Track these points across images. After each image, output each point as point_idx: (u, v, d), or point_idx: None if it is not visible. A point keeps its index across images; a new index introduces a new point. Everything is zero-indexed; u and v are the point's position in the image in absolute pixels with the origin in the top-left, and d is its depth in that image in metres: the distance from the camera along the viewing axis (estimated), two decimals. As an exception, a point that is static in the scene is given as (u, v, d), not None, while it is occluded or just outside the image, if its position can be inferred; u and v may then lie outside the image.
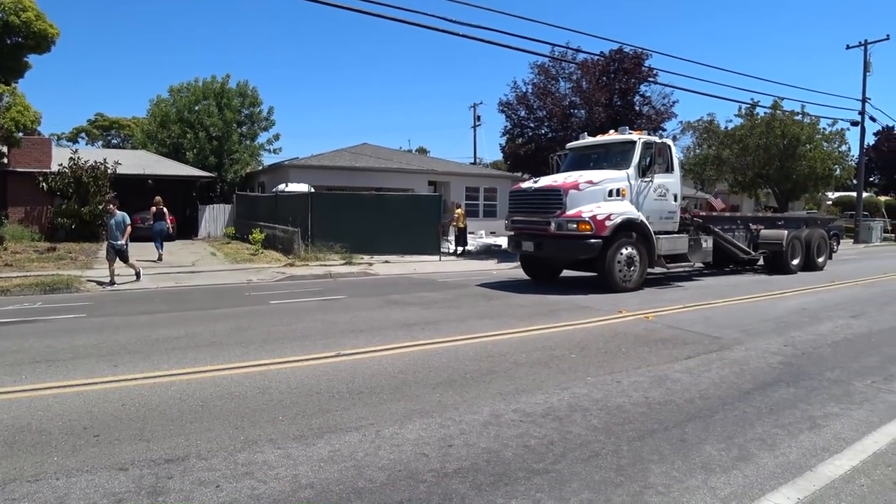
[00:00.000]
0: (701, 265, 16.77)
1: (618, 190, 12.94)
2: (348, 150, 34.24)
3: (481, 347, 7.77)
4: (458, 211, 23.75)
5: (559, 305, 11.23)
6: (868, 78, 38.67)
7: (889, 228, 48.68)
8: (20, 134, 24.41)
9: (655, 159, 13.21)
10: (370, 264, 19.77)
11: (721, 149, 36.56)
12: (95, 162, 26.91)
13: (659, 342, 8.15)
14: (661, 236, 13.54)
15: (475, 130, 51.06)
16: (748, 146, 34.54)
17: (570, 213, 12.47)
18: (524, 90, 23.21)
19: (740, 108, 35.54)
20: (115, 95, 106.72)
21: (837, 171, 36.60)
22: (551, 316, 10.12)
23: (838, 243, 29.51)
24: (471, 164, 50.18)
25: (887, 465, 4.25)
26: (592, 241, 12.33)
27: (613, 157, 13.94)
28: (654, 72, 22.62)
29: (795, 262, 17.47)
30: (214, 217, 32.90)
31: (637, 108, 22.49)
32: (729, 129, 36.73)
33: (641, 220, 12.98)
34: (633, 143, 13.59)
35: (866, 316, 10.41)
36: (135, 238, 16.95)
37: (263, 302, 11.80)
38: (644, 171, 13.35)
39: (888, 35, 37.84)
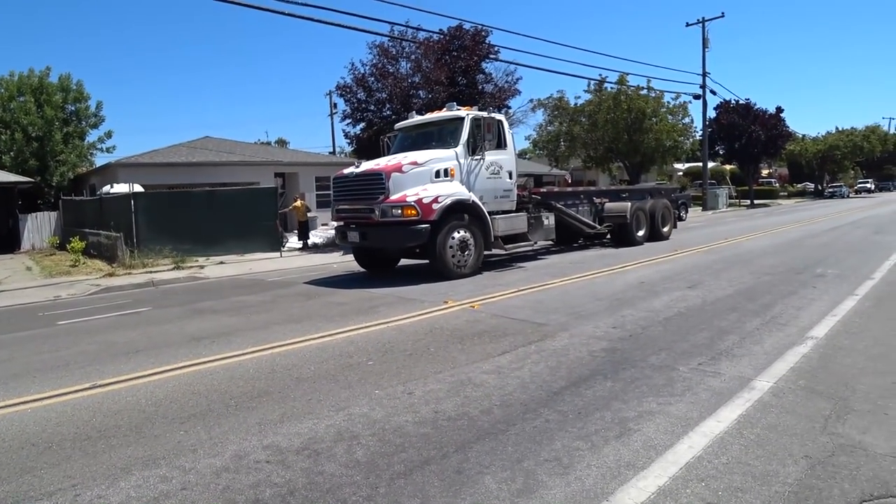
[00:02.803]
0: (547, 243, 16.29)
1: (446, 170, 12.02)
2: (186, 145, 31.75)
3: (268, 361, 6.64)
4: (296, 203, 22.24)
5: (383, 300, 10.22)
6: (707, 53, 40.37)
7: (734, 195, 51.40)
8: None
9: (485, 135, 12.36)
10: (202, 267, 18.10)
11: (572, 125, 36.90)
12: None
13: (475, 336, 7.28)
14: (497, 216, 12.78)
15: (332, 119, 49.28)
16: (597, 121, 35.02)
17: (393, 198, 11.44)
18: (362, 71, 21.99)
19: (589, 84, 35.99)
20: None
21: (687, 144, 37.83)
22: (368, 314, 9.06)
23: (686, 212, 30.52)
24: (329, 153, 48.49)
25: (700, 480, 3.49)
26: (420, 226, 11.36)
27: (442, 135, 13.03)
28: (496, 49, 22.07)
29: (641, 233, 17.37)
30: (39, 226, 29.55)
31: (479, 86, 21.79)
32: (578, 105, 37.10)
33: (473, 201, 12.14)
34: (462, 119, 12.72)
35: (703, 285, 10.08)
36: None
37: (51, 324, 10.10)
38: (474, 148, 12.48)
39: (723, 13, 39.60)
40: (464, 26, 21.87)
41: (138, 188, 23.37)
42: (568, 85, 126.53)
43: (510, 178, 13.31)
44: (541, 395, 5.11)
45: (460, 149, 12.33)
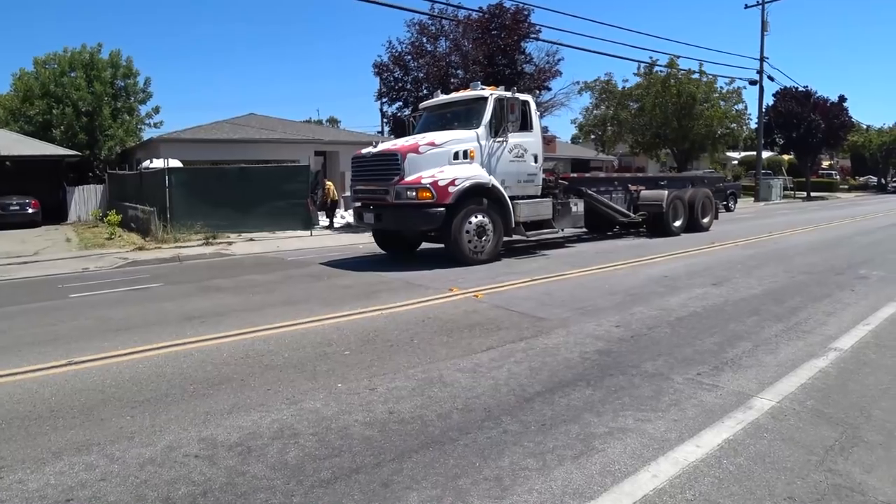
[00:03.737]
0: (578, 231, 15.68)
1: (465, 152, 11.51)
2: (229, 122, 31.86)
3: (245, 346, 6.34)
4: (328, 184, 21.97)
5: (388, 285, 9.85)
6: (766, 37, 38.59)
7: (789, 186, 49.43)
8: None
9: (508, 116, 11.77)
10: (230, 244, 18.07)
11: (619, 109, 35.79)
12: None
13: (466, 329, 6.84)
14: (519, 202, 12.23)
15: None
16: (645, 106, 33.86)
17: (408, 179, 11.01)
18: (399, 50, 21.50)
19: (639, 67, 34.78)
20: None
21: (740, 131, 36.36)
22: (368, 298, 8.71)
23: (735, 202, 29.31)
24: (378, 132, 48.24)
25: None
26: (435, 210, 10.91)
27: (466, 115, 12.51)
28: (537, 28, 21.35)
29: (678, 223, 16.57)
30: (85, 199, 30.18)
31: (519, 66, 21.10)
32: (626, 88, 35.95)
33: (493, 185, 11.61)
34: (485, 99, 12.16)
35: (729, 282, 9.41)
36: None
37: (64, 296, 10.06)
38: (497, 130, 11.92)
39: (784, -8, 37.72)
40: (504, 4, 21.13)
41: (176, 163, 23.51)
42: (616, 67, 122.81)
43: (535, 161, 12.72)
44: (510, 400, 4.66)
45: (482, 130, 11.79)
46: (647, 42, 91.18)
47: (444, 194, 10.90)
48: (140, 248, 17.39)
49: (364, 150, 12.23)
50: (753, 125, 40.18)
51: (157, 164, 24.05)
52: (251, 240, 18.98)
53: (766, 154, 56.71)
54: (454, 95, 13.67)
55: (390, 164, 11.30)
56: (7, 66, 76.53)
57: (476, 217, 11.37)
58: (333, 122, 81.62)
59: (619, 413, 4.37)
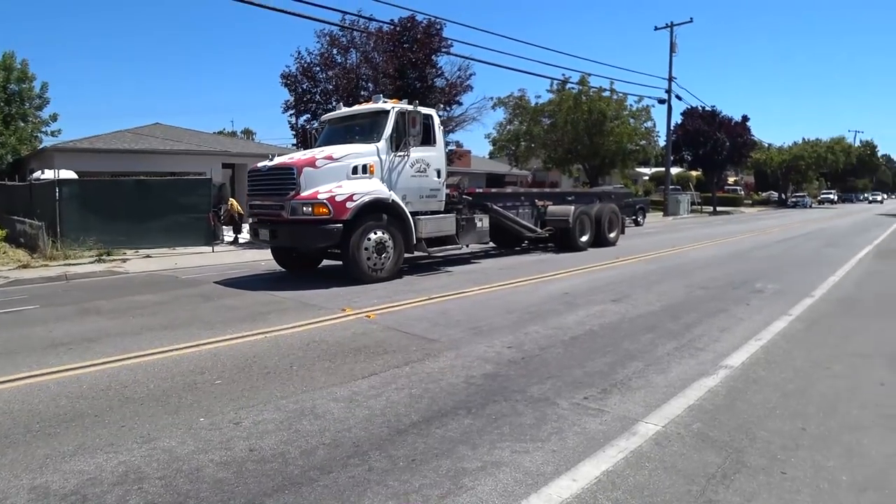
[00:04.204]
0: (485, 246, 15.49)
1: (364, 166, 11.11)
2: (132, 131, 30.41)
3: (110, 376, 5.75)
4: (231, 200, 21.13)
5: (280, 305, 9.32)
6: (674, 58, 39.91)
7: (697, 201, 51.18)
8: None
9: (409, 130, 11.45)
10: (124, 261, 17.02)
11: (532, 125, 36.16)
12: None
13: (352, 353, 6.43)
14: (422, 217, 11.90)
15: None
16: (557, 122, 34.31)
17: (304, 194, 10.52)
18: (308, 61, 20.94)
19: (552, 84, 35.26)
20: None
21: (648, 148, 37.33)
22: (255, 321, 8.16)
23: (644, 217, 29.96)
24: (293, 145, 47.20)
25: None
26: (331, 226, 10.44)
27: (367, 129, 12.12)
28: (449, 43, 21.16)
29: (585, 238, 16.63)
30: (-27, 213, 28.09)
31: (429, 80, 20.88)
32: (539, 104, 36.38)
33: (393, 200, 11.25)
34: (386, 112, 11.80)
35: (629, 299, 9.33)
36: None
37: None
38: (398, 144, 11.57)
39: (692, 18, 39.23)
40: (416, 18, 20.91)
41: (70, 174, 22.11)
42: (530, 84, 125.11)
43: (438, 176, 12.42)
44: (382, 432, 4.29)
45: (382, 144, 11.42)
46: (560, 60, 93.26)
47: (341, 210, 10.46)
48: (25, 266, 16.15)
49: (260, 164, 11.66)
50: (663, 142, 41.37)
51: (49, 175, 22.63)
52: (148, 256, 17.94)
53: (675, 170, 58.70)
54: (356, 108, 13.29)
55: (286, 178, 10.78)
56: None
57: (375, 233, 10.96)
58: (248, 133, 79.69)
59: (497, 444, 4.05)
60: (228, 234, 21.63)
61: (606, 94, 34.67)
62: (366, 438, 4.18)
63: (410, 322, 7.86)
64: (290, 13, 18.45)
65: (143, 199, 19.30)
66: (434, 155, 12.37)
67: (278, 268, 13.37)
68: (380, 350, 6.50)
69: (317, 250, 11.76)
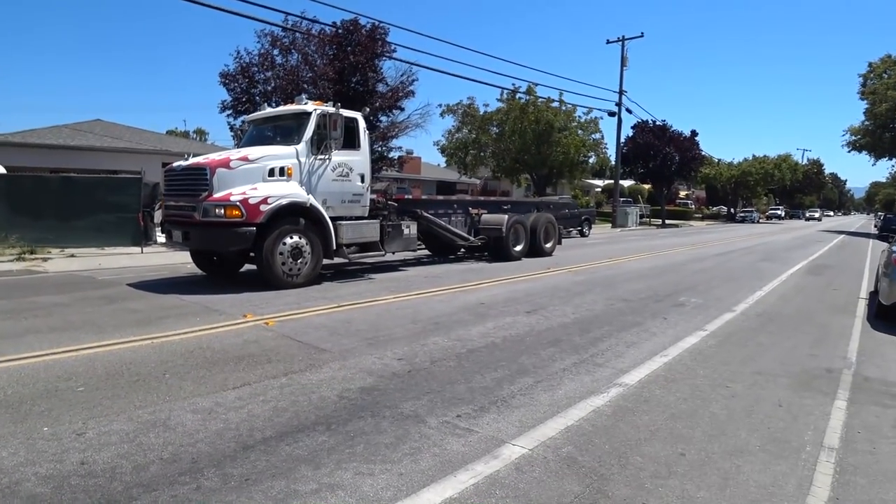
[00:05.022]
0: (419, 253, 15.24)
1: (282, 168, 10.72)
2: (70, 127, 29.42)
3: None
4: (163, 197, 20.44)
5: (182, 309, 8.89)
6: (626, 72, 40.26)
7: (646, 213, 51.73)
8: None
9: (331, 133, 11.09)
10: (45, 260, 16.27)
11: (480, 133, 36.07)
12: None
13: (234, 361, 6.07)
14: (343, 223, 11.54)
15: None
16: (505, 131, 34.26)
17: (217, 196, 10.09)
18: (248, 60, 20.41)
19: (502, 93, 35.23)
20: None
21: (593, 159, 37.53)
22: (150, 325, 7.73)
23: (590, 228, 30.04)
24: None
25: None
26: (244, 229, 10.03)
27: (289, 130, 11.72)
28: (393, 48, 20.85)
29: (518, 248, 16.44)
30: None
31: (370, 84, 20.53)
32: (487, 113, 36.32)
33: (312, 204, 10.87)
34: (308, 114, 11.43)
35: (544, 310, 9.11)
36: None
37: None
38: (320, 146, 11.20)
39: (643, 33, 39.69)
40: (360, 21, 20.56)
41: (-1, 169, 21.27)
42: (481, 92, 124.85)
43: (362, 181, 12.06)
44: (228, 448, 3.98)
45: (302, 146, 11.04)
46: (511, 69, 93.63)
47: (254, 213, 10.04)
48: (-66, 264, 15.39)
49: (175, 164, 11.17)
50: (610, 154, 41.70)
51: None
52: (72, 256, 17.21)
53: (627, 183, 59.39)
54: (279, 109, 12.89)
55: (199, 179, 10.33)
56: None
57: (291, 238, 10.57)
58: (201, 133, 78.30)
59: (343, 465, 3.76)
60: (161, 236, 20.91)
61: (555, 104, 34.70)
62: (207, 454, 3.87)
63: (308, 330, 7.50)
64: (232, 12, 17.99)
65: (71, 196, 18.59)
66: (358, 159, 12.01)
67: (199, 271, 12.86)
68: (263, 359, 6.15)
69: (233, 254, 11.29)
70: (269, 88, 20.31)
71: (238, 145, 12.61)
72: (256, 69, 20.32)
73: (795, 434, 4.57)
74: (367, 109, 12.50)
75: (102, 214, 18.35)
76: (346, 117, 11.62)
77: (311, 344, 6.80)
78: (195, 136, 68.49)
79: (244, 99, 20.45)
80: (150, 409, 4.70)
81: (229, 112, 21.11)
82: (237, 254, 11.18)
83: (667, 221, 51.71)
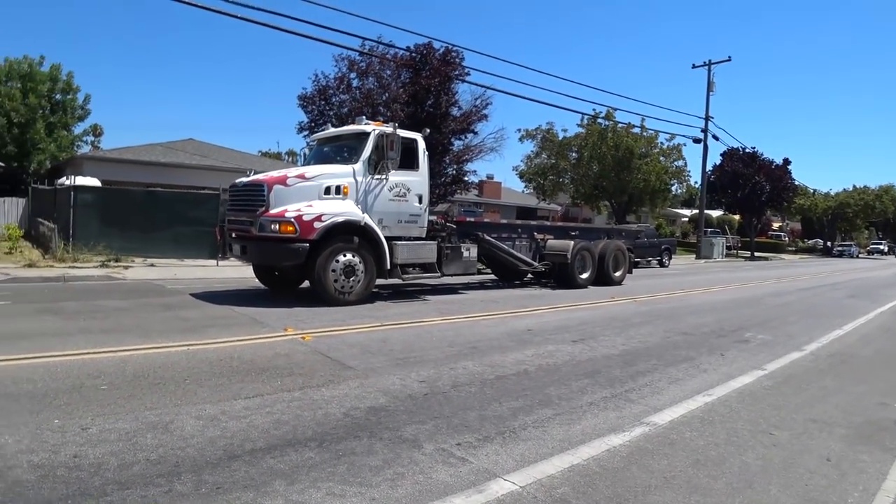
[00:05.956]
0: (486, 277, 15.15)
1: (338, 187, 10.88)
2: (164, 145, 31.09)
3: (7, 372, 5.74)
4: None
5: (230, 320, 9.16)
6: (712, 97, 39.10)
7: (735, 245, 49.77)
8: None
9: (387, 153, 11.17)
10: (126, 268, 17.19)
11: (559, 159, 35.70)
12: None
13: (256, 372, 6.12)
14: (398, 243, 11.56)
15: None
16: (583, 156, 33.77)
17: (273, 212, 10.35)
18: (324, 83, 20.96)
19: (582, 118, 34.79)
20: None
21: (676, 187, 36.51)
22: (193, 332, 7.96)
23: (670, 258, 29.13)
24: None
25: None
26: (297, 245, 10.20)
27: (349, 150, 11.92)
28: (467, 71, 20.97)
29: (585, 275, 16.03)
30: (6, 212, 29.07)
31: (443, 108, 20.68)
32: (565, 138, 35.93)
33: (366, 223, 10.94)
34: (367, 134, 11.58)
35: (593, 340, 8.79)
36: None
37: None
38: (377, 166, 11.29)
39: (730, 57, 38.62)
40: (434, 45, 20.78)
41: (93, 182, 22.64)
42: (559, 117, 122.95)
43: (420, 202, 12.08)
44: (215, 455, 4.01)
45: (359, 165, 11.18)
46: (590, 94, 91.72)
47: (308, 230, 10.20)
48: (30, 265, 16.50)
49: (238, 180, 11.53)
50: (695, 182, 40.47)
51: (81, 181, 23.28)
52: (152, 265, 18.08)
53: (716, 213, 57.42)
54: (340, 129, 13.17)
55: (257, 195, 10.63)
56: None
57: (345, 256, 10.67)
58: (292, 154, 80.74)
59: (317, 483, 3.66)
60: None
61: (636, 130, 33.97)
62: (193, 459, 3.90)
63: (342, 347, 7.49)
64: (314, 38, 18.58)
65: (154, 209, 19.68)
66: (416, 180, 12.06)
67: (261, 285, 13.18)
68: (285, 372, 6.17)
69: (289, 269, 11.50)
70: (345, 111, 20.70)
71: (304, 163, 12.85)
72: (333, 92, 20.78)
73: (838, 495, 3.97)
74: (428, 131, 12.51)
75: (182, 227, 19.25)
76: (405, 138, 11.70)
77: (338, 360, 6.78)
78: (287, 156, 70.66)
79: (320, 121, 20.92)
80: (158, 411, 4.80)
81: (306, 133, 21.65)
82: (293, 269, 11.35)
83: (756, 254, 49.61)
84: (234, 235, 11.53)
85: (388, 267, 11.29)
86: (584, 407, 5.61)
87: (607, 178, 34.04)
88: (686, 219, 62.71)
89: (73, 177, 24.11)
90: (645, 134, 34.65)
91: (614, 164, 33.37)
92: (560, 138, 36.33)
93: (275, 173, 11.28)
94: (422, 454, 4.22)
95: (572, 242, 15.59)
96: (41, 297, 10.88)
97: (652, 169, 33.92)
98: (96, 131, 38.09)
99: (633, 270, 19.53)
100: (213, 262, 19.03)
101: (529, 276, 16.80)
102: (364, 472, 3.87)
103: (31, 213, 28.03)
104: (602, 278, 16.51)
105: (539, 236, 15.68)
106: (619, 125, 33.65)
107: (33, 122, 33.02)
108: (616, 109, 32.89)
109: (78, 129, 37.17)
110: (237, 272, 17.09)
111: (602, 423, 5.18)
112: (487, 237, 14.12)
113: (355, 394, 5.57)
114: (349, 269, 10.72)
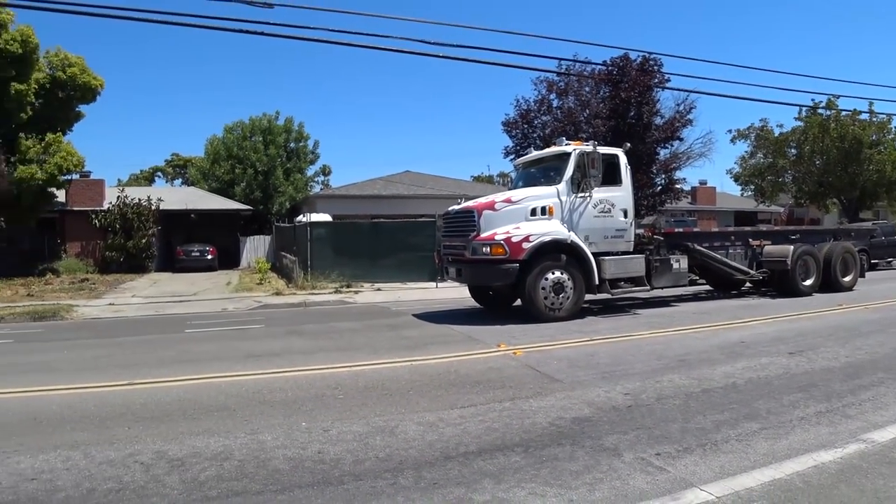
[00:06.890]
0: (701, 288, 14.99)
1: (543, 208, 11.46)
2: (383, 179, 33.88)
3: (265, 383, 7.14)
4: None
5: (447, 338, 10.08)
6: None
7: None
8: (71, 176, 26.12)
9: (589, 171, 11.56)
10: (356, 293, 19.12)
11: (777, 157, 33.28)
12: (139, 199, 29.14)
13: (470, 385, 6.87)
14: (605, 258, 11.85)
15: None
16: (802, 153, 31.22)
17: (483, 235, 11.22)
18: (526, 107, 21.73)
19: (800, 110, 32.19)
20: (188, 134, 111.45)
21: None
22: (416, 349, 9.02)
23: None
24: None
25: None
26: (507, 265, 10.94)
27: (552, 171, 12.46)
28: (667, 77, 20.63)
29: (808, 282, 15.05)
30: (255, 248, 33.54)
31: (644, 118, 20.50)
32: (782, 134, 33.42)
33: (573, 241, 11.40)
34: (568, 155, 12.05)
35: (812, 352, 8.36)
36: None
37: (180, 331, 11.69)
38: (580, 185, 11.72)
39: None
40: (630, 56, 20.73)
41: (325, 217, 25.37)
42: (774, 113, 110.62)
43: (625, 216, 12.28)
44: (433, 456, 4.70)
45: (562, 185, 11.70)
46: (806, 83, 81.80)
47: (517, 250, 10.89)
48: (277, 294, 18.98)
49: (450, 208, 12.54)
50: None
51: (315, 217, 26.30)
52: (378, 289, 19.91)
53: None
54: (542, 152, 13.75)
55: (468, 220, 11.58)
56: (204, 132, 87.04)
57: (553, 273, 11.21)
58: (504, 176, 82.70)
59: (521, 484, 4.13)
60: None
61: (864, 116, 30.73)
62: (414, 458, 4.61)
63: (550, 361, 7.99)
64: (513, 66, 19.52)
65: (377, 239, 21.89)
66: (620, 195, 12.29)
67: (478, 305, 14.08)
68: (497, 385, 6.81)
69: (503, 288, 12.23)
70: (547, 132, 21.24)
71: (511, 187, 13.61)
72: (534, 114, 21.43)
73: None
74: (628, 145, 12.70)
75: (404, 253, 21.13)
76: (605, 154, 12.03)
77: (547, 374, 7.29)
78: (499, 178, 72.64)
79: (524, 144, 21.66)
80: (385, 417, 5.64)
81: (512, 157, 22.49)
82: (506, 288, 12.06)
83: None
84: (449, 259, 12.50)
85: (597, 282, 11.62)
86: (793, 421, 5.52)
87: (833, 173, 31.18)
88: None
89: (308, 214, 27.29)
90: (875, 119, 31.28)
91: (840, 157, 30.49)
92: (776, 135, 33.95)
93: (483, 199, 12.11)
94: (621, 462, 4.55)
95: (792, 247, 14.74)
96: (288, 321, 12.75)
97: (887, 158, 30.52)
98: (325, 171, 42.93)
99: (868, 273, 17.90)
100: (433, 284, 20.44)
101: (747, 285, 16.12)
102: (564, 475, 4.29)
103: (276, 248, 32.00)
104: (828, 284, 15.34)
105: (755, 242, 15.04)
106: (843, 113, 30.65)
107: (274, 169, 38.03)
108: (838, 97, 30.03)
109: (310, 171, 42.26)
110: (455, 293, 18.13)
111: (812, 438, 5.04)
112: (698, 247, 13.87)
113: (561, 405, 6.01)
114: (558, 286, 11.21)
